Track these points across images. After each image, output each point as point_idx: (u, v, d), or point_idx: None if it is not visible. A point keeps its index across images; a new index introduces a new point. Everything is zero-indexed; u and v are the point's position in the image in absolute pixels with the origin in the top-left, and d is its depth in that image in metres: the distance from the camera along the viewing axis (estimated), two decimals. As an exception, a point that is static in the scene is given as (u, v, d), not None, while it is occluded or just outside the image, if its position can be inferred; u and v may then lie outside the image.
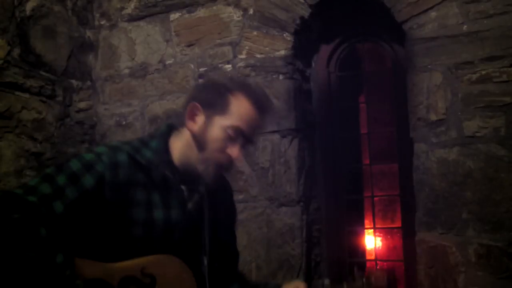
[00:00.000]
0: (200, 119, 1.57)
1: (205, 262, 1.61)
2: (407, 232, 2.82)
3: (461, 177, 2.47)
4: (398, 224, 2.97)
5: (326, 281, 1.70)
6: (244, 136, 1.57)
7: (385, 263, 3.56)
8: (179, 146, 1.60)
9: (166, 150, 1.59)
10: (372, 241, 3.41)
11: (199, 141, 1.56)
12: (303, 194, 2.88)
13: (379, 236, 3.43)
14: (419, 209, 2.57)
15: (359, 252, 3.43)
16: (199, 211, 1.62)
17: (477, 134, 2.45)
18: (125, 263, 1.47)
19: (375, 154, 3.21)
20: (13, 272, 1.30)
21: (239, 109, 1.55)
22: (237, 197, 2.93)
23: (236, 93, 1.57)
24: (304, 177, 2.92)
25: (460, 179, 2.47)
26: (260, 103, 1.59)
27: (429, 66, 2.57)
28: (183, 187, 1.60)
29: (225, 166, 1.59)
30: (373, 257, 3.37)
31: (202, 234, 1.62)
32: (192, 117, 1.58)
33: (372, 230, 3.30)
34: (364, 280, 1.70)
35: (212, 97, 1.57)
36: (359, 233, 3.40)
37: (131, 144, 1.59)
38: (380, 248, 3.46)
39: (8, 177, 2.68)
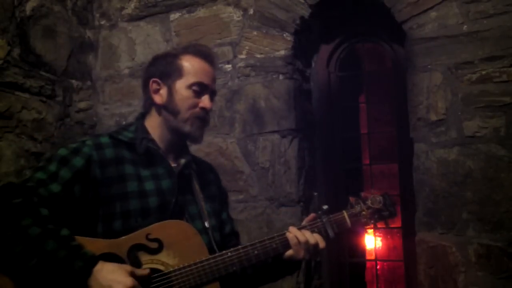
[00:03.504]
0: (163, 90, 1.72)
1: (207, 224, 1.70)
2: (407, 232, 2.82)
3: (461, 177, 2.47)
4: (398, 224, 2.96)
5: (325, 206, 1.76)
6: (207, 88, 1.72)
7: (385, 263, 3.56)
8: (156, 124, 1.73)
9: (144, 129, 1.73)
10: (372, 241, 3.42)
11: (172, 108, 1.70)
12: (303, 194, 2.88)
13: (379, 236, 3.44)
14: (419, 209, 2.57)
15: (359, 252, 3.43)
16: (188, 182, 1.74)
17: (477, 134, 2.45)
18: (129, 235, 1.54)
19: (375, 154, 3.22)
20: (22, 248, 1.40)
21: (193, 67, 1.71)
22: (237, 197, 2.94)
23: (183, 56, 1.73)
24: (304, 177, 2.92)
25: (460, 179, 2.47)
26: (207, 56, 1.76)
27: (429, 66, 2.57)
28: (168, 159, 1.72)
29: (203, 118, 1.72)
30: (373, 257, 3.37)
31: (197, 202, 1.73)
32: (156, 91, 1.73)
33: (372, 230, 3.30)
34: (361, 205, 1.79)
35: (164, 67, 1.73)
36: (359, 233, 3.40)
37: (112, 130, 1.75)
38: (380, 248, 3.47)
39: (8, 177, 2.68)
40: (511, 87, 2.40)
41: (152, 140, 1.70)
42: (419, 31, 2.60)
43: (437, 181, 2.52)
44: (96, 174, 1.58)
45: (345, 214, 1.77)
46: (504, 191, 2.38)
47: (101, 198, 1.57)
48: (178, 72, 1.70)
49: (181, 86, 1.69)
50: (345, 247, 3.10)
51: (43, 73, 3.00)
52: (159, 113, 1.73)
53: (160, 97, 1.71)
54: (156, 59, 1.80)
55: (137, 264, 1.52)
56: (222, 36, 3.07)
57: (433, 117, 2.55)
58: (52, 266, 1.41)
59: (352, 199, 1.82)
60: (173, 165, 1.72)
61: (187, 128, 1.69)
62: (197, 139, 1.73)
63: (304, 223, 1.75)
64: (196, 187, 1.75)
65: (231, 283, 1.68)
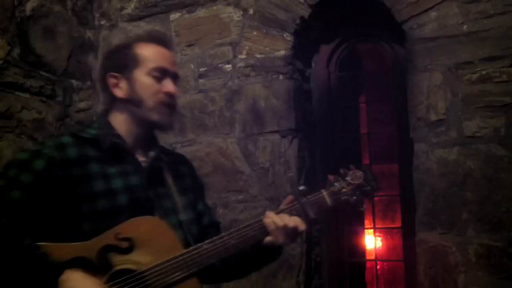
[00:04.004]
0: (122, 82, 1.64)
1: (181, 218, 1.63)
2: (407, 232, 2.82)
3: (461, 177, 2.47)
4: (398, 224, 2.96)
5: (302, 187, 1.68)
6: (167, 72, 1.65)
7: (385, 263, 3.56)
8: (121, 119, 1.65)
9: (109, 125, 1.64)
10: (372, 241, 3.42)
11: (134, 99, 1.62)
12: (303, 194, 2.88)
13: (379, 236, 3.44)
14: (419, 209, 2.57)
15: (359, 252, 3.43)
16: (160, 175, 1.66)
17: (477, 134, 2.45)
18: (98, 237, 1.47)
19: (375, 154, 3.21)
20: None
21: (148, 53, 1.64)
22: (237, 197, 2.94)
23: (136, 45, 1.67)
24: (304, 177, 2.92)
25: (460, 179, 2.47)
26: (161, 40, 1.70)
27: (429, 66, 2.57)
28: (136, 154, 1.64)
29: (169, 104, 1.64)
30: (373, 257, 3.37)
31: (170, 196, 1.65)
32: (116, 85, 1.65)
33: (372, 230, 3.30)
34: (340, 182, 1.69)
35: (119, 60, 1.66)
36: (359, 233, 3.40)
37: (74, 128, 1.67)
38: (380, 248, 3.46)
39: (8, 177, 2.68)
40: (511, 87, 2.40)
41: (118, 136, 1.62)
42: (419, 31, 2.60)
43: (437, 181, 2.52)
44: (59, 176, 1.49)
45: (324, 193, 1.67)
46: (504, 191, 2.38)
47: (66, 200, 1.49)
48: (135, 61, 1.63)
49: (140, 75, 1.62)
50: (345, 247, 3.10)
51: (43, 73, 3.00)
52: (123, 107, 1.64)
53: (120, 91, 1.64)
54: (110, 54, 1.74)
55: (107, 266, 1.45)
56: (222, 36, 3.07)
57: (433, 117, 2.55)
58: (16, 277, 1.36)
59: (330, 177, 1.71)
60: (142, 159, 1.64)
61: (154, 116, 1.61)
62: (166, 127, 1.66)
63: (282, 206, 1.67)
64: (169, 180, 1.67)
65: (212, 276, 1.62)
